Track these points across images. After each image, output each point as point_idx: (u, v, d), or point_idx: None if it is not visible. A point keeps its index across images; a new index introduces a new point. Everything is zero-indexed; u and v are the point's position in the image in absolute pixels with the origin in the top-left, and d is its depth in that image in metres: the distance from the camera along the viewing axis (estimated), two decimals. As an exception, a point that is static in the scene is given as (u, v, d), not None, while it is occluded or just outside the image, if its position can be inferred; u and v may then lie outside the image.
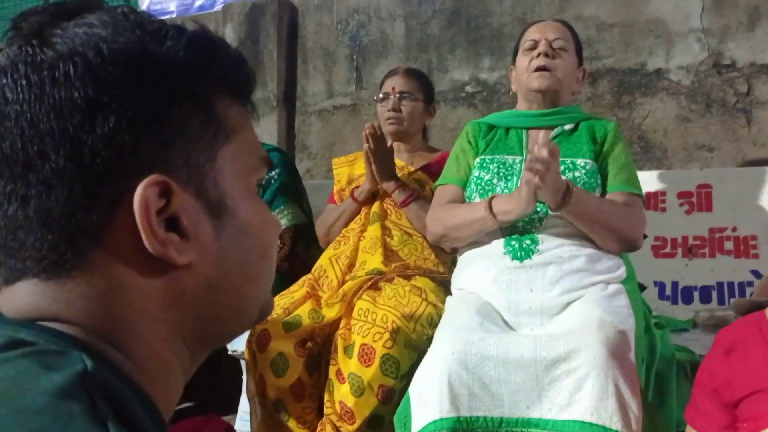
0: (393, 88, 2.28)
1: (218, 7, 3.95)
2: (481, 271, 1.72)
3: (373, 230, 2.17)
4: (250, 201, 0.56)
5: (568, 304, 1.61)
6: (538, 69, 1.84)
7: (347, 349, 1.80)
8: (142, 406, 0.46)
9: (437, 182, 1.99)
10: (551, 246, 1.67)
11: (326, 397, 1.82)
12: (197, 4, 4.13)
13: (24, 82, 0.47)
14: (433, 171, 2.27)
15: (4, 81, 0.47)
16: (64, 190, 0.47)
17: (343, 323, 1.89)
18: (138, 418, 0.44)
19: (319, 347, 1.92)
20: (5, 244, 0.48)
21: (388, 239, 2.15)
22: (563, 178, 1.64)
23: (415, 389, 1.51)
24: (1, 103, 0.47)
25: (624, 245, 1.73)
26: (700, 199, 2.47)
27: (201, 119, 0.52)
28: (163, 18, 3.84)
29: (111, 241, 0.48)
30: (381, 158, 2.14)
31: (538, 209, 1.71)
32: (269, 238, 0.59)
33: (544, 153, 1.53)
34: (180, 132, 0.50)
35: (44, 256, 0.48)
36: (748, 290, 2.26)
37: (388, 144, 2.20)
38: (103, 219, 0.48)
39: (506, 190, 1.77)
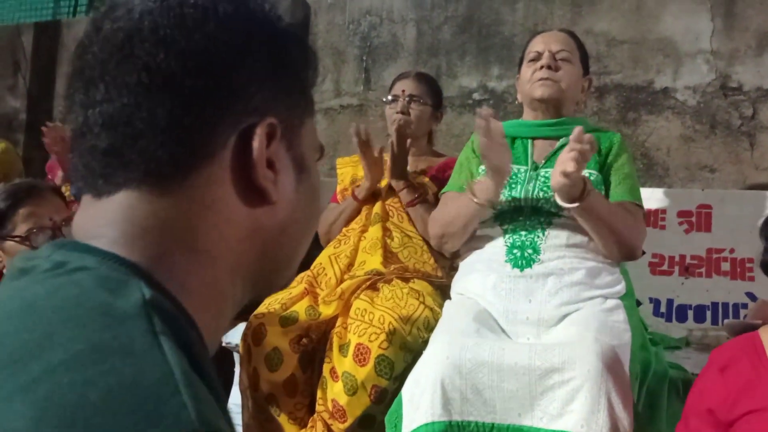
0: (403, 91, 2.29)
1: (230, 0, 3.95)
2: (481, 277, 1.73)
3: (374, 231, 2.18)
4: (315, 171, 0.63)
5: (566, 315, 1.62)
6: (541, 79, 1.86)
7: (342, 348, 1.81)
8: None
9: (443, 190, 2.00)
10: (552, 257, 1.68)
11: (319, 394, 1.83)
12: (210, -5, 4.14)
13: (177, 11, 0.52)
14: (436, 176, 2.28)
15: (152, 6, 0.52)
16: (197, 106, 0.51)
17: (339, 321, 1.90)
18: (192, 343, 0.46)
19: (314, 344, 1.93)
20: (118, 147, 0.51)
21: (388, 240, 2.16)
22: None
23: (407, 391, 1.52)
24: (153, 23, 0.51)
25: (624, 251, 1.74)
26: (699, 219, 2.48)
27: (300, 88, 0.60)
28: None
29: (219, 165, 0.53)
30: (399, 156, 2.15)
31: (541, 216, 1.72)
32: (318, 210, 0.66)
33: (587, 146, 1.53)
34: (288, 92, 0.58)
35: (156, 167, 0.51)
36: (743, 312, 2.27)
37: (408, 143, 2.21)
38: (221, 142, 0.53)
39: (511, 198, 1.78)
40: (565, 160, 1.55)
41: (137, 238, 0.51)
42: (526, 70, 1.92)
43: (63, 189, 2.41)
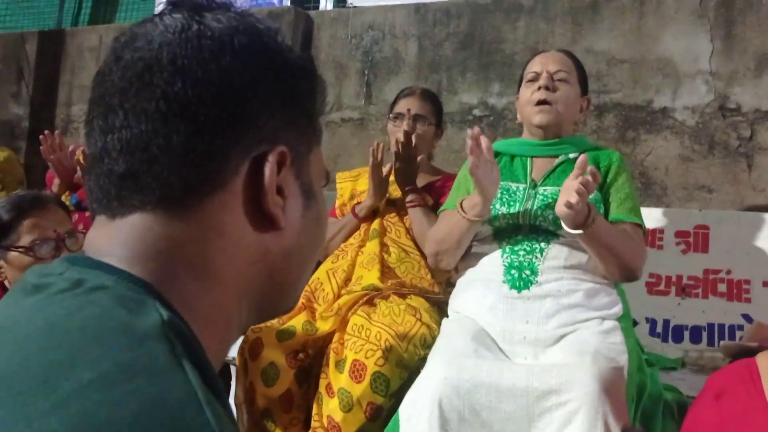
0: (408, 110, 2.30)
1: (234, 12, 3.98)
2: (479, 296, 1.74)
3: (372, 246, 2.19)
4: (321, 197, 0.65)
5: (563, 336, 1.62)
6: (539, 103, 1.87)
7: (339, 364, 1.82)
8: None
9: (441, 208, 2.02)
10: (550, 279, 1.68)
11: (314, 409, 1.83)
12: (214, 7, 4.17)
13: (195, 42, 0.54)
14: (435, 191, 2.29)
15: (172, 37, 0.55)
16: (211, 133, 0.54)
17: (336, 337, 1.90)
18: (207, 365, 0.48)
19: (310, 359, 1.93)
20: (134, 171, 0.53)
21: (385, 256, 2.17)
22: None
23: (405, 410, 1.52)
24: (172, 54, 0.54)
25: (626, 274, 1.75)
26: (696, 240, 2.49)
27: (308, 117, 0.62)
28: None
29: (231, 191, 0.55)
30: (407, 162, 2.17)
31: (540, 237, 1.73)
32: (324, 235, 0.68)
33: (589, 179, 1.54)
34: (297, 121, 0.60)
35: (170, 191, 0.53)
36: (738, 334, 2.27)
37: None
38: (233, 169, 0.55)
39: (509, 217, 1.79)
40: (569, 190, 1.56)
41: (149, 259, 0.53)
42: (525, 91, 1.93)
43: (62, 198, 2.42)
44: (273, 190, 0.56)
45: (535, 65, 1.95)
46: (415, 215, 2.17)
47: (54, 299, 0.49)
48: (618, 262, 1.71)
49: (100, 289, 0.49)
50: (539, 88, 1.88)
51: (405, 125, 2.27)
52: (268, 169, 0.56)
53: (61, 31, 4.44)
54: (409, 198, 2.19)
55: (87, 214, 2.64)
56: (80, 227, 2.52)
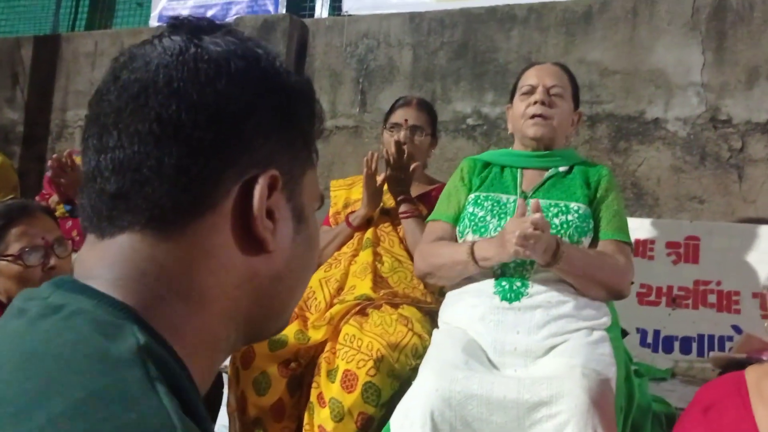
0: (405, 120, 2.30)
1: (230, 19, 3.99)
2: (469, 308, 1.75)
3: (365, 255, 2.19)
4: (313, 221, 0.65)
5: (553, 347, 1.63)
6: (534, 116, 1.88)
7: (330, 374, 1.82)
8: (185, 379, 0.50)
9: (429, 217, 2.02)
10: (540, 290, 1.70)
11: (306, 419, 1.83)
12: (209, 14, 4.18)
13: (192, 65, 0.55)
14: (429, 201, 2.30)
15: (169, 60, 0.55)
16: (203, 156, 0.54)
17: (328, 347, 1.90)
18: (183, 387, 0.48)
19: (302, 368, 1.93)
20: (125, 192, 0.54)
21: (378, 265, 2.17)
22: (552, 234, 1.68)
23: (396, 421, 1.53)
24: (168, 76, 0.54)
25: (611, 294, 1.77)
26: (687, 251, 2.51)
27: (303, 140, 0.62)
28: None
29: (221, 213, 0.55)
30: (400, 172, 2.18)
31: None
32: (315, 259, 0.68)
33: (530, 230, 1.57)
34: (291, 144, 0.60)
35: (160, 213, 0.54)
36: (728, 345, 2.29)
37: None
38: (223, 192, 0.55)
39: (499, 228, 1.79)
40: (517, 251, 1.61)
41: (134, 280, 0.53)
42: (519, 104, 1.93)
43: (56, 209, 2.42)
44: (263, 214, 0.56)
45: (531, 78, 1.94)
46: (409, 226, 2.18)
47: (34, 325, 0.49)
48: (599, 287, 1.73)
49: (79, 314, 0.49)
50: (535, 103, 1.88)
51: (402, 136, 2.28)
52: (258, 192, 0.56)
53: (56, 36, 4.44)
54: (402, 208, 2.20)
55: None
56: (74, 234, 2.53)
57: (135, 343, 0.47)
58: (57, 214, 2.35)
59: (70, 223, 2.60)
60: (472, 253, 1.73)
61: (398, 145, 2.17)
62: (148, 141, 0.53)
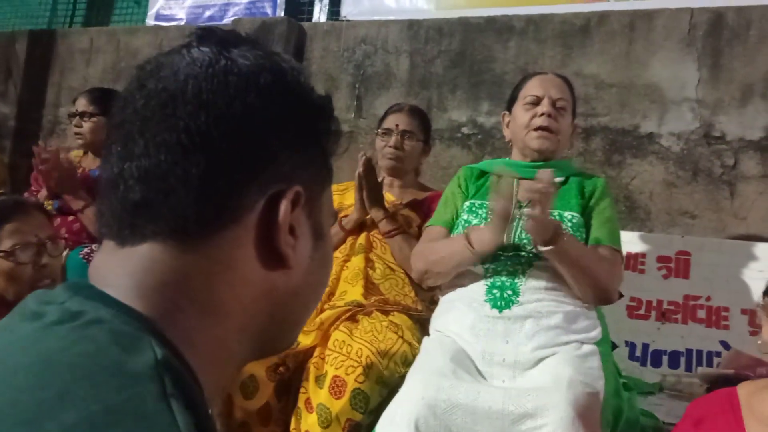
0: (396, 125, 2.31)
1: (228, 20, 3.99)
2: (460, 316, 1.74)
3: (357, 261, 2.19)
4: (330, 238, 0.65)
5: (541, 359, 1.63)
6: (540, 129, 1.87)
7: (319, 379, 1.81)
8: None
9: (427, 223, 2.02)
10: (531, 299, 1.70)
11: (293, 424, 1.82)
12: (207, 14, 4.17)
13: (222, 78, 0.55)
14: (421, 209, 2.30)
15: (198, 71, 0.55)
16: (230, 169, 0.54)
17: (317, 352, 1.90)
18: (201, 404, 0.47)
19: (290, 373, 1.93)
20: (149, 201, 0.53)
21: (370, 271, 2.17)
22: (553, 219, 1.67)
23: (382, 428, 1.52)
24: (197, 87, 0.54)
25: (599, 295, 1.76)
26: (678, 265, 2.52)
27: (322, 159, 0.62)
28: (173, 25, 3.84)
29: (244, 227, 0.55)
30: (371, 186, 2.17)
31: (521, 260, 1.74)
32: (329, 276, 0.68)
33: (540, 185, 1.57)
34: (313, 161, 0.61)
35: (184, 224, 0.53)
36: (716, 360, 2.29)
37: (380, 178, 2.24)
38: (248, 206, 0.55)
39: (493, 237, 1.80)
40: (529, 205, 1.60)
41: (155, 291, 0.52)
42: (523, 114, 1.91)
43: (45, 204, 2.40)
44: (286, 229, 0.56)
45: (536, 88, 1.93)
46: (395, 243, 2.17)
47: (50, 330, 0.48)
48: (590, 283, 1.72)
49: (97, 323, 0.48)
50: (542, 115, 1.87)
51: (393, 141, 2.29)
52: (283, 207, 0.56)
53: (51, 32, 4.42)
54: (385, 228, 2.18)
55: (70, 218, 2.62)
56: (62, 231, 2.51)
57: (153, 357, 0.47)
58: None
59: (58, 220, 2.58)
60: (468, 239, 1.73)
61: (366, 161, 2.17)
62: (175, 151, 0.53)
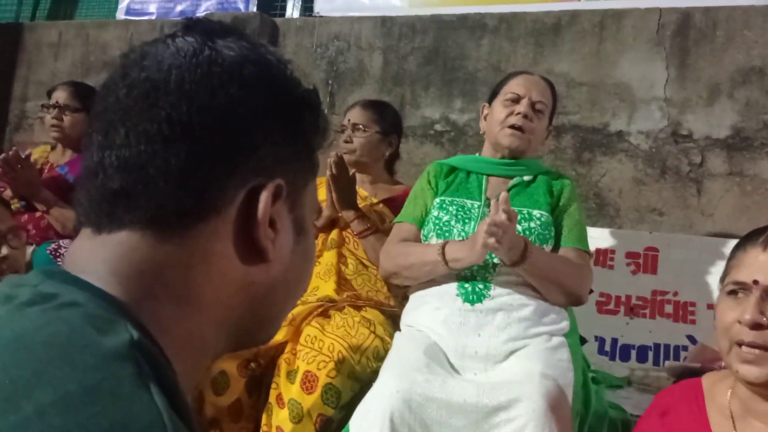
0: (348, 120, 2.35)
1: (199, 15, 3.94)
2: (432, 310, 1.75)
3: (329, 257, 2.19)
4: (312, 233, 0.65)
5: (512, 352, 1.65)
6: (514, 127, 1.88)
7: (290, 375, 1.80)
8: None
9: (395, 219, 2.02)
10: (502, 293, 1.71)
11: (264, 420, 1.81)
12: (178, 9, 4.12)
13: (205, 68, 0.54)
14: (394, 205, 2.30)
15: (182, 61, 0.54)
16: (211, 160, 0.53)
17: (288, 347, 1.89)
18: (175, 387, 0.47)
19: (262, 369, 1.91)
20: (128, 190, 0.53)
21: (342, 267, 2.17)
22: (520, 235, 1.69)
23: (356, 423, 1.52)
24: (180, 77, 0.54)
25: (570, 300, 1.79)
26: (646, 261, 2.56)
27: (307, 151, 0.62)
28: (144, 19, 3.78)
29: (223, 219, 0.54)
30: (342, 186, 2.17)
31: (491, 257, 1.75)
32: (311, 271, 0.68)
33: (502, 217, 1.57)
34: (296, 154, 0.60)
35: (163, 214, 0.53)
36: (683, 354, 2.34)
37: (350, 173, 2.23)
38: (228, 198, 0.54)
39: (463, 233, 1.81)
40: (485, 242, 1.59)
41: (130, 279, 0.52)
42: (501, 109, 1.92)
43: (12, 203, 2.36)
44: (266, 223, 0.56)
45: (518, 87, 1.92)
46: (368, 243, 2.17)
47: (24, 311, 0.48)
48: (561, 290, 1.75)
49: (72, 305, 0.48)
50: (518, 114, 1.87)
51: (345, 135, 2.31)
52: (263, 201, 0.55)
53: (19, 25, 4.33)
54: (358, 228, 2.18)
55: (37, 214, 2.57)
56: (30, 227, 2.47)
57: (128, 338, 0.46)
58: (12, 208, 2.29)
59: (25, 216, 2.54)
60: (443, 253, 1.73)
61: (338, 160, 2.16)
62: (156, 141, 0.53)
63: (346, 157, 2.29)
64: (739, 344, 1.13)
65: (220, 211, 0.54)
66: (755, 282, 1.13)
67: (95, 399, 0.42)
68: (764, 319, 1.11)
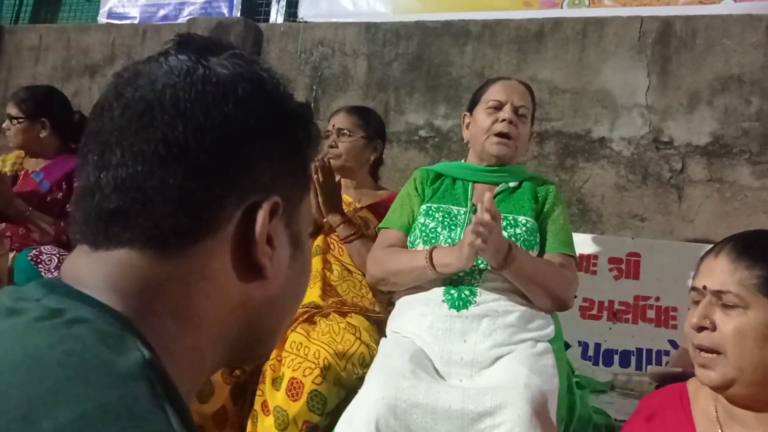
0: (333, 125, 2.35)
1: (182, 20, 3.93)
2: (418, 316, 1.75)
3: (314, 263, 2.18)
4: (308, 246, 0.65)
5: (498, 358, 1.65)
6: (500, 135, 1.89)
7: (276, 382, 1.80)
8: None
9: (381, 224, 2.02)
10: (488, 299, 1.72)
11: (249, 427, 1.80)
12: (161, 13, 4.10)
13: (200, 87, 0.54)
14: (379, 210, 2.30)
15: (176, 80, 0.55)
16: (207, 179, 0.54)
17: (273, 354, 1.88)
18: (183, 406, 0.47)
19: (246, 376, 1.90)
20: (126, 210, 0.53)
21: (328, 273, 2.16)
22: (505, 238, 1.69)
23: (341, 429, 1.52)
24: (175, 97, 0.54)
25: (556, 304, 1.80)
26: (628, 267, 2.59)
27: (302, 168, 0.62)
28: (126, 23, 3.75)
29: (221, 238, 0.55)
30: (328, 191, 2.17)
31: (479, 262, 1.76)
32: (307, 285, 0.68)
33: (487, 217, 1.57)
34: (292, 171, 0.60)
35: (160, 234, 0.53)
36: (665, 359, 2.36)
37: (336, 179, 2.23)
38: (226, 217, 0.55)
39: (449, 240, 1.81)
40: (471, 241, 1.60)
41: (131, 296, 0.52)
42: (485, 118, 1.92)
43: None
44: (263, 240, 0.56)
45: (499, 93, 1.93)
46: (353, 248, 2.16)
47: (33, 327, 0.47)
48: (547, 295, 1.76)
49: (80, 322, 0.48)
50: (503, 121, 1.88)
51: (330, 140, 2.31)
52: (261, 218, 0.55)
53: (-1, 28, 4.29)
54: (344, 233, 2.18)
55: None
56: (8, 234, 2.44)
57: (141, 357, 0.47)
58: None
59: (3, 225, 2.50)
60: (431, 259, 1.73)
61: (323, 165, 2.16)
62: (152, 161, 0.53)
63: (331, 162, 2.29)
64: (698, 349, 1.17)
65: (218, 229, 0.54)
66: (704, 287, 1.17)
67: (113, 418, 0.42)
68: (707, 321, 1.14)
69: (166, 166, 0.53)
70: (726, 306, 1.14)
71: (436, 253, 1.74)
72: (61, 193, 2.65)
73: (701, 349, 1.16)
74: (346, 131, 2.34)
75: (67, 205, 2.63)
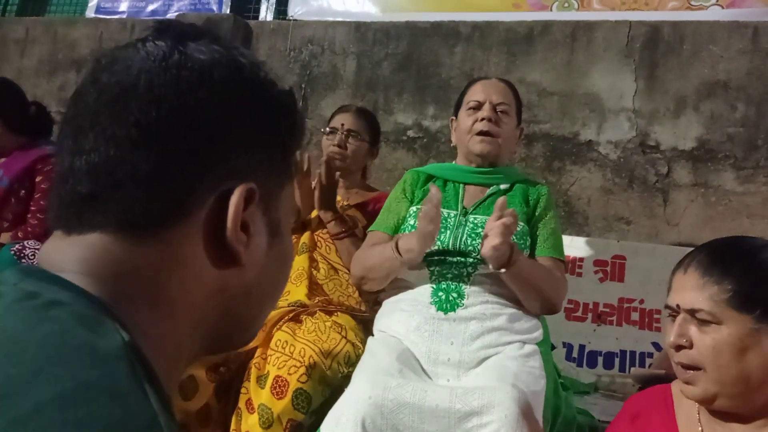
0: (342, 125, 2.31)
1: (171, 16, 3.91)
2: (406, 317, 1.75)
3: (301, 261, 2.17)
4: (288, 236, 0.64)
5: (485, 359, 1.66)
6: (481, 133, 1.90)
7: (260, 380, 1.79)
8: None
9: (370, 228, 2.02)
10: (476, 302, 1.72)
11: (233, 425, 1.79)
12: (149, 8, 4.08)
13: (174, 72, 0.54)
14: (366, 209, 2.30)
15: (151, 65, 0.54)
16: (179, 165, 0.53)
17: (258, 352, 1.87)
18: (162, 389, 0.47)
19: (231, 373, 1.89)
20: (97, 194, 0.53)
21: (314, 272, 2.16)
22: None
23: (327, 427, 1.52)
24: (149, 82, 0.54)
25: (546, 308, 1.80)
26: (613, 269, 2.60)
27: (283, 154, 0.61)
28: (115, 18, 3.73)
29: (194, 223, 0.54)
30: (326, 188, 2.16)
31: (468, 262, 1.76)
32: (287, 275, 0.68)
33: (510, 220, 1.58)
34: (271, 158, 0.60)
35: (132, 218, 0.53)
36: (648, 361, 2.38)
37: (336, 176, 2.23)
38: (199, 202, 0.54)
39: (439, 242, 1.81)
40: (492, 232, 1.60)
41: (105, 280, 0.52)
42: (466, 119, 1.93)
43: None
44: (237, 226, 0.55)
45: (478, 94, 1.94)
46: (343, 246, 2.16)
47: (10, 309, 0.47)
48: (539, 298, 1.76)
49: (58, 304, 0.48)
50: (483, 119, 1.88)
51: (337, 140, 2.28)
52: (233, 204, 0.55)
53: (-16, 20, 4.24)
54: (335, 230, 2.17)
55: None
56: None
57: (120, 339, 0.47)
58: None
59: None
60: (397, 247, 1.74)
61: (329, 161, 2.16)
62: (124, 146, 0.52)
63: (336, 161, 2.28)
64: (679, 365, 1.18)
65: (191, 214, 0.54)
66: (677, 306, 1.18)
67: (93, 396, 0.42)
68: (684, 339, 1.15)
69: (138, 151, 0.52)
70: (701, 321, 1.14)
71: (401, 241, 1.75)
72: (24, 191, 2.60)
73: (682, 365, 1.17)
74: (355, 133, 2.32)
75: (32, 203, 2.59)
